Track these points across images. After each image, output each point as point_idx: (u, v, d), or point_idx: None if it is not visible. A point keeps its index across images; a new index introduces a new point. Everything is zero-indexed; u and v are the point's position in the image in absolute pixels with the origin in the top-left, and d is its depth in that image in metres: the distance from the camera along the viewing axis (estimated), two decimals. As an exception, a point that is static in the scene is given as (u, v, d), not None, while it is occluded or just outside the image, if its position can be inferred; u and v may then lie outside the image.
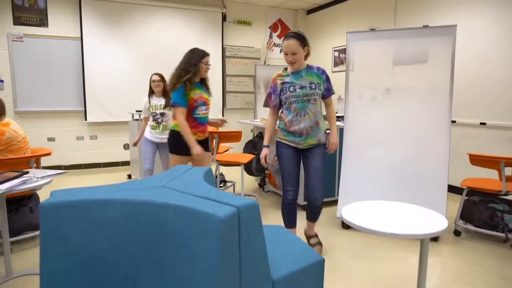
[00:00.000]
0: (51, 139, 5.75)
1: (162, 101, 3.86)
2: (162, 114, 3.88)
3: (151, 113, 3.89)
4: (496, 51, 4.16)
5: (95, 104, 5.89)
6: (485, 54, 4.26)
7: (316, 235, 2.93)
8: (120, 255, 1.42)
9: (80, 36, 5.68)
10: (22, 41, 5.39)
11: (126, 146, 6.22)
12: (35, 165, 3.04)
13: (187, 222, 1.32)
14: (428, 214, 1.81)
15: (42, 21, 5.51)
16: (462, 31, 4.41)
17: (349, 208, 1.89)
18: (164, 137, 3.78)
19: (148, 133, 3.93)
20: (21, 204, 3.05)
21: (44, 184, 2.30)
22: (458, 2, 4.53)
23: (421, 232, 1.57)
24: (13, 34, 5.32)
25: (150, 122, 3.91)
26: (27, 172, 2.41)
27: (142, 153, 4.01)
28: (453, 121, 4.57)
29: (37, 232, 3.08)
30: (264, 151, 2.69)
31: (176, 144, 2.97)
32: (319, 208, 2.76)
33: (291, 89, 2.60)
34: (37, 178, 2.30)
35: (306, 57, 2.65)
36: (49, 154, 3.14)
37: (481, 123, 4.33)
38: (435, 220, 1.71)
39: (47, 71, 5.58)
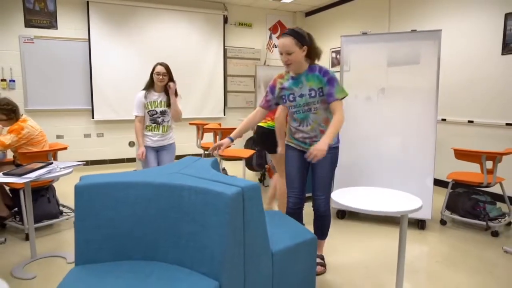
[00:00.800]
0: (59, 137, 5.99)
1: (162, 97, 3.20)
2: (163, 113, 3.21)
3: (149, 111, 3.18)
4: (484, 54, 4.40)
5: (102, 103, 6.15)
6: (474, 57, 4.51)
7: (321, 256, 2.62)
8: (143, 228, 1.67)
9: (88, 37, 5.94)
10: (33, 42, 5.64)
11: (131, 144, 6.47)
12: (52, 158, 3.31)
13: (200, 200, 1.58)
14: (406, 196, 2.07)
15: (52, 24, 5.76)
16: (456, 35, 4.67)
17: (339, 192, 2.14)
18: (165, 139, 3.29)
19: (146, 138, 3.25)
20: (40, 195, 3.30)
21: (67, 174, 2.55)
22: (451, 6, 4.78)
23: (398, 210, 1.83)
24: (24, 36, 5.58)
25: (146, 122, 3.23)
26: (51, 163, 2.67)
27: (143, 164, 3.33)
28: (443, 119, 4.83)
29: (54, 221, 3.33)
30: (222, 141, 2.35)
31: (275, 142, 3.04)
32: (323, 217, 2.48)
33: (291, 98, 2.36)
34: (60, 168, 2.55)
35: (314, 57, 2.39)
36: (65, 148, 3.42)
37: (469, 121, 4.59)
38: (411, 201, 1.97)
39: (56, 72, 5.83)
